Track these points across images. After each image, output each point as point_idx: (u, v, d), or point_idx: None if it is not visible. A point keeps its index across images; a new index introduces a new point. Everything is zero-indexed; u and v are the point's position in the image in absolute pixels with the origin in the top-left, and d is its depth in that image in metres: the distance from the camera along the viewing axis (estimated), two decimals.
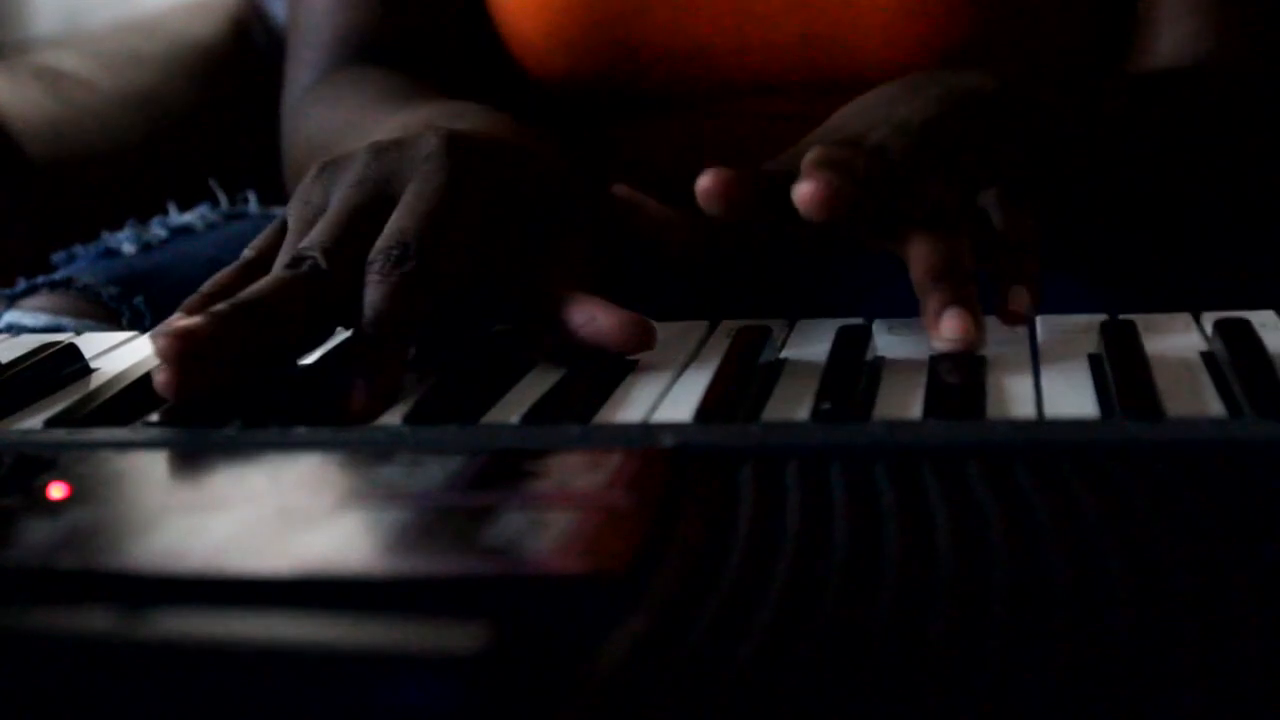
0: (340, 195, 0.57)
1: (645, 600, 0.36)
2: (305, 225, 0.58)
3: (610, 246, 0.63)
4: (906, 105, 0.61)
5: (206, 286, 0.57)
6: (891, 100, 0.63)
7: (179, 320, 0.53)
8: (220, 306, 0.52)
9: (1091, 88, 0.73)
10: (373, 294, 0.53)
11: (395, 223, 0.55)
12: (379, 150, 0.58)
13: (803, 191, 0.53)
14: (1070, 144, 0.67)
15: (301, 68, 0.88)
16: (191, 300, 0.57)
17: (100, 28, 1.40)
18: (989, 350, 0.54)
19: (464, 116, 0.68)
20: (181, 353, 0.50)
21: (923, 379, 0.51)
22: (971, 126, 0.61)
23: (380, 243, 0.54)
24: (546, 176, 0.61)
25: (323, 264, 0.54)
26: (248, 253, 0.60)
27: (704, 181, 0.55)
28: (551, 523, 0.40)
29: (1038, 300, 0.57)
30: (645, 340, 0.55)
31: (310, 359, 0.57)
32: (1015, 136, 0.63)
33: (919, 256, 0.56)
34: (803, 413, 0.49)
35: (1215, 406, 0.47)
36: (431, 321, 0.56)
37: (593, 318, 0.55)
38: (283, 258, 0.57)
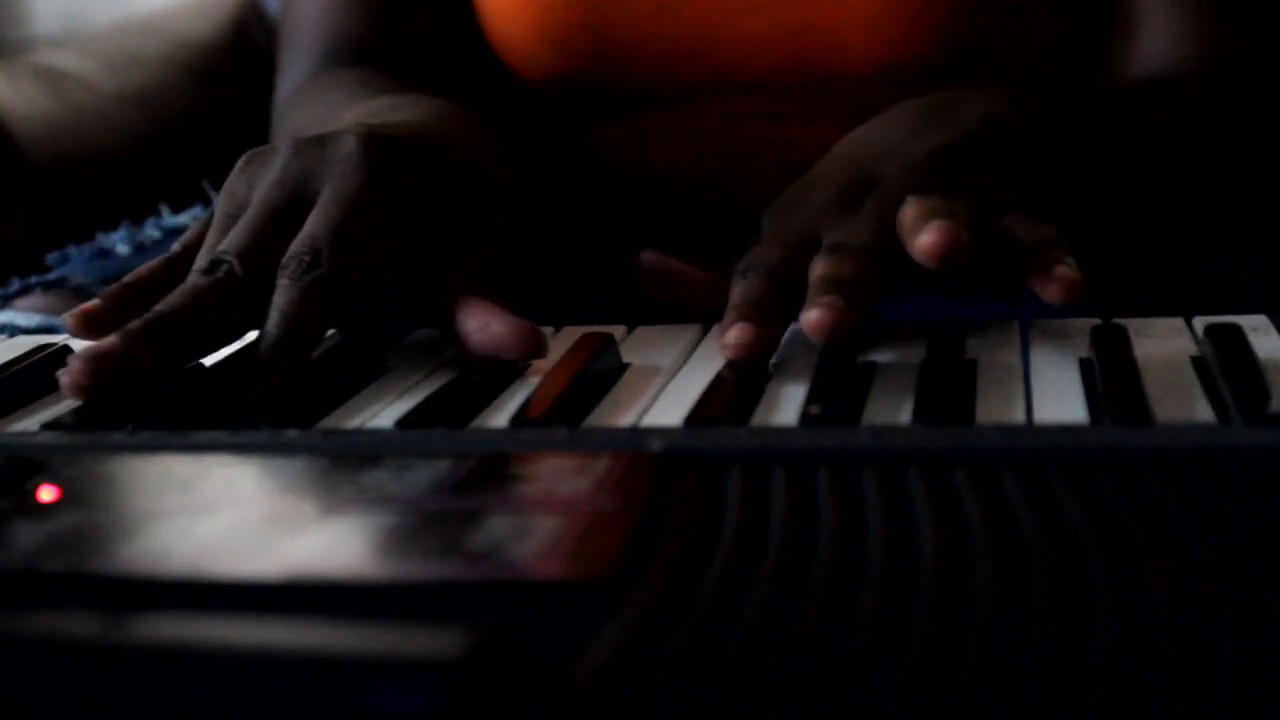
0: (259, 195, 0.58)
1: (631, 605, 0.36)
2: (228, 220, 0.59)
3: (525, 251, 0.63)
4: (915, 137, 0.61)
5: (129, 277, 0.59)
6: (898, 128, 0.63)
7: (87, 340, 0.55)
8: (133, 325, 0.54)
9: (1087, 102, 0.73)
10: (280, 298, 0.54)
11: (308, 228, 0.56)
12: (298, 149, 0.59)
13: (812, 324, 0.52)
14: (1075, 162, 0.66)
15: (290, 72, 0.89)
16: (113, 289, 0.58)
17: (100, 27, 1.40)
18: (979, 354, 0.54)
19: (403, 108, 0.69)
20: (95, 374, 0.52)
21: (912, 383, 0.51)
22: (981, 156, 0.61)
23: (293, 248, 0.55)
24: (464, 176, 0.61)
25: (237, 269, 0.55)
26: (175, 248, 0.61)
27: (732, 336, 0.54)
28: (538, 527, 0.40)
29: (1079, 272, 0.54)
30: (536, 348, 0.55)
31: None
32: (1026, 163, 0.63)
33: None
34: (792, 417, 0.49)
35: (1204, 412, 0.47)
36: (341, 323, 0.57)
37: (485, 324, 0.55)
38: (202, 258, 0.58)
